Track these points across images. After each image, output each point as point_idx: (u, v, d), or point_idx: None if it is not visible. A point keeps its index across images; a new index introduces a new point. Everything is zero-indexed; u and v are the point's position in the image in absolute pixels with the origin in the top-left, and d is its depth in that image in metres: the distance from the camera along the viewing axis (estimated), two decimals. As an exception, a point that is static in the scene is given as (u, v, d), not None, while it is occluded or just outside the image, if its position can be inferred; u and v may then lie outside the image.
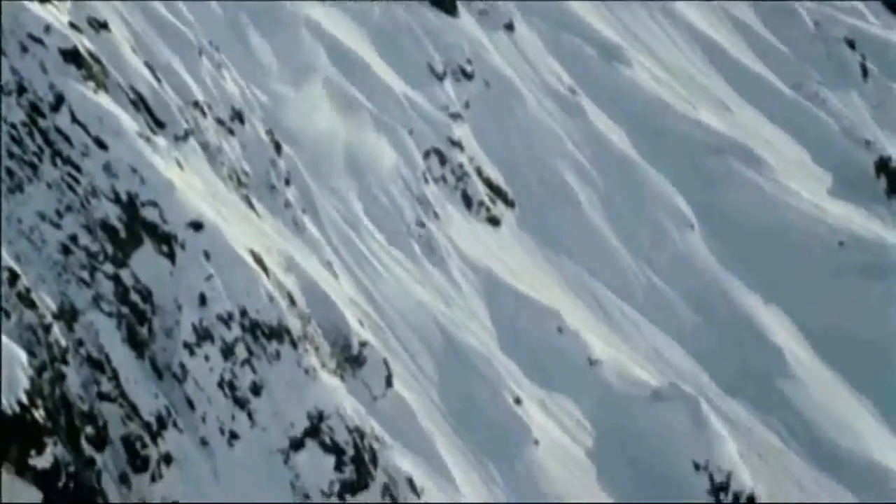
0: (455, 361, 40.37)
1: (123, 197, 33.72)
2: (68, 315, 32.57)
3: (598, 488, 38.38)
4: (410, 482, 34.92)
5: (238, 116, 41.61)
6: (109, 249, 33.55)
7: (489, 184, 48.68)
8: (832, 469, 42.74)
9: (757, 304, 47.81)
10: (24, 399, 27.70)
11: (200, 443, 32.97)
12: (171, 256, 33.95)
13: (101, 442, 31.39)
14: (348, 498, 33.76)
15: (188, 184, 35.36)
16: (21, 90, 34.24)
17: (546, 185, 49.61)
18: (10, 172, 33.74)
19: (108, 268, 33.46)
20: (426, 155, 47.21)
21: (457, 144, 48.44)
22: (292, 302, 35.96)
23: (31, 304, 30.92)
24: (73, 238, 33.59)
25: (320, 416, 34.11)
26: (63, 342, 31.20)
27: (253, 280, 34.75)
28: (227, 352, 33.77)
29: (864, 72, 61.49)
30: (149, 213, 33.83)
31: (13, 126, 33.98)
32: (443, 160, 47.71)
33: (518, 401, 39.72)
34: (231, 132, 41.06)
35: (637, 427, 40.69)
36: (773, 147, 55.42)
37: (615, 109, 53.83)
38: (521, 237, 47.61)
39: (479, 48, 53.28)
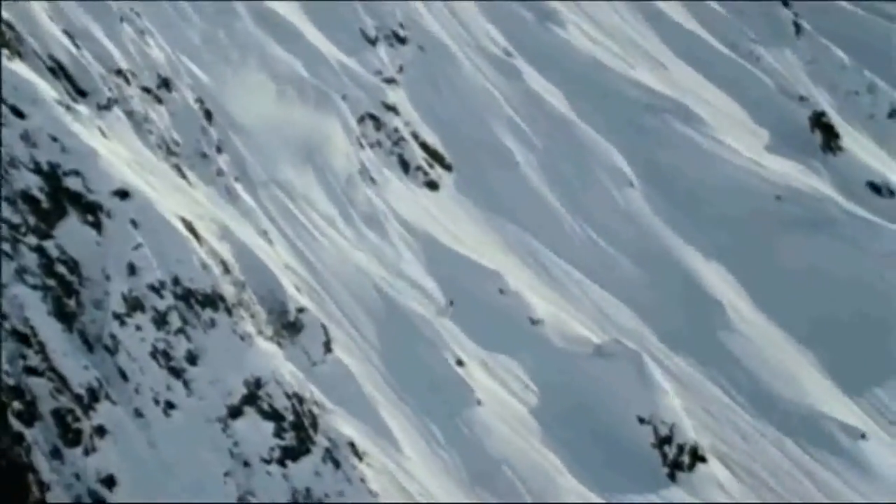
0: (396, 325, 40.02)
1: (45, 167, 32.86)
2: (-8, 289, 31.73)
3: (542, 446, 38.26)
4: (352, 446, 34.55)
5: (165, 84, 40.76)
6: (32, 221, 32.68)
7: (426, 148, 48.22)
8: (776, 420, 43.05)
9: (697, 259, 47.97)
10: (-54, 374, 26.95)
11: (135, 414, 32.37)
12: (97, 226, 33.19)
13: (30, 417, 30.69)
14: (290, 464, 33.33)
15: (113, 152, 34.51)
16: (-68, 59, 33.18)
17: (484, 148, 49.28)
18: (-77, 144, 32.73)
19: (32, 239, 32.60)
20: (361, 120, 46.69)
21: (392, 109, 47.96)
22: (226, 269, 35.39)
23: (-49, 279, 30.13)
24: (-6, 210, 32.67)
25: (258, 383, 33.67)
26: (-13, 316, 30.41)
27: (185, 248, 34.15)
28: (160, 321, 33.18)
29: (798, 29, 61.86)
30: (72, 183, 33.02)
31: (-76, 95, 32.91)
32: (378, 125, 47.19)
33: (460, 362, 39.51)
34: (158, 100, 40.19)
35: (580, 384, 40.65)
36: (710, 104, 55.56)
37: (552, 71, 53.59)
38: (461, 200, 47.26)
39: (413, 13, 52.70)
